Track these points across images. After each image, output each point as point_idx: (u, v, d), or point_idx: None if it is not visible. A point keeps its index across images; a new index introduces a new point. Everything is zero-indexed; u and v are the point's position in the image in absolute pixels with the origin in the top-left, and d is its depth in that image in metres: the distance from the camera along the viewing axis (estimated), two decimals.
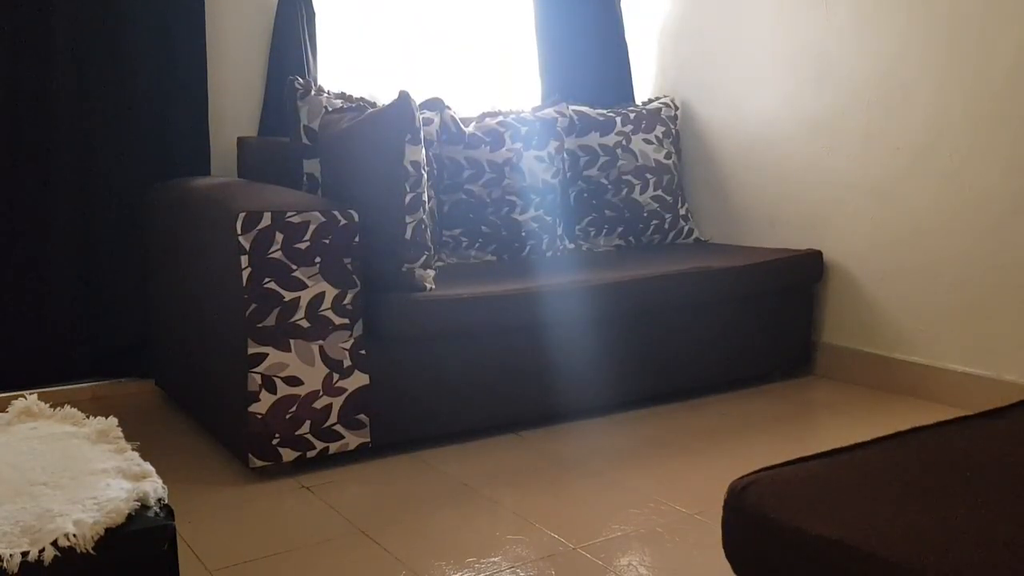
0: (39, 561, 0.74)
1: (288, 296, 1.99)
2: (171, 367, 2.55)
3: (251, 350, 1.97)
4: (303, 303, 2.01)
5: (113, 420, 1.10)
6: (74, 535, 0.77)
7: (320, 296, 2.02)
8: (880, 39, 2.67)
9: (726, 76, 3.18)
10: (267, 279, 1.96)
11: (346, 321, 2.06)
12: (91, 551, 0.77)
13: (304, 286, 2.00)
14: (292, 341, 2.00)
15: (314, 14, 2.92)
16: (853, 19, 2.74)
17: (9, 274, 2.55)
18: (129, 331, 2.71)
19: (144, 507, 0.85)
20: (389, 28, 3.11)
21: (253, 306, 1.96)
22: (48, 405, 1.17)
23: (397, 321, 2.11)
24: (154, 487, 0.89)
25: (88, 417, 1.12)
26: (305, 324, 2.01)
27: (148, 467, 0.95)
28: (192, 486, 2.01)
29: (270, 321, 1.98)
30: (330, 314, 2.04)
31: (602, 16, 3.39)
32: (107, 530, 0.79)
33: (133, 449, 1.03)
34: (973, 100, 2.45)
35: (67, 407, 1.17)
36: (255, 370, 1.97)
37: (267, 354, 1.98)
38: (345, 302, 2.06)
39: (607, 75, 3.40)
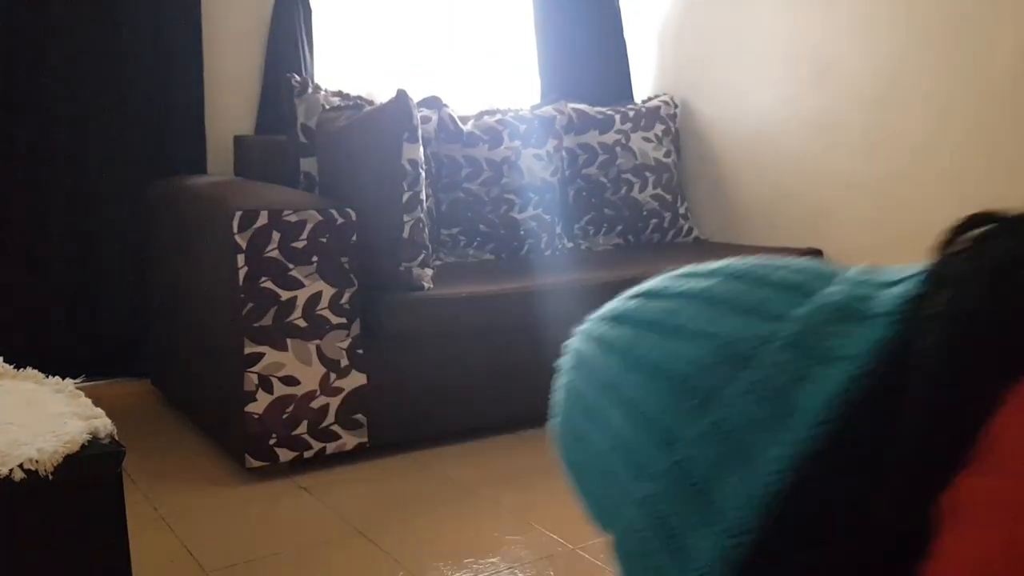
0: (9, 479, 0.93)
1: (285, 295, 1.98)
2: (168, 366, 2.54)
3: (247, 349, 1.95)
4: (300, 302, 1.99)
5: (69, 381, 1.25)
6: (37, 460, 0.95)
7: (317, 295, 2.01)
8: (881, 38, 2.66)
9: (726, 74, 3.17)
10: (264, 278, 1.95)
11: (343, 320, 2.05)
12: (51, 472, 0.96)
13: (301, 285, 1.99)
14: (289, 340, 1.99)
15: (311, 11, 2.91)
16: (854, 17, 2.73)
17: (5, 272, 2.54)
18: (125, 330, 2.70)
19: (96, 438, 1.03)
20: (387, 25, 3.09)
21: (249, 305, 1.94)
22: (12, 367, 1.33)
23: (395, 320, 2.10)
24: (104, 424, 1.06)
25: (47, 376, 1.28)
26: (302, 323, 2.00)
27: (99, 411, 1.11)
28: (188, 486, 2.00)
29: (267, 320, 1.96)
30: (327, 313, 2.03)
31: (601, 13, 3.38)
32: (65, 456, 0.97)
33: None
34: (974, 98, 2.44)
35: (28, 368, 1.31)
36: (252, 370, 1.96)
37: (264, 354, 1.97)
38: (342, 301, 2.04)
39: (606, 73, 3.39)
